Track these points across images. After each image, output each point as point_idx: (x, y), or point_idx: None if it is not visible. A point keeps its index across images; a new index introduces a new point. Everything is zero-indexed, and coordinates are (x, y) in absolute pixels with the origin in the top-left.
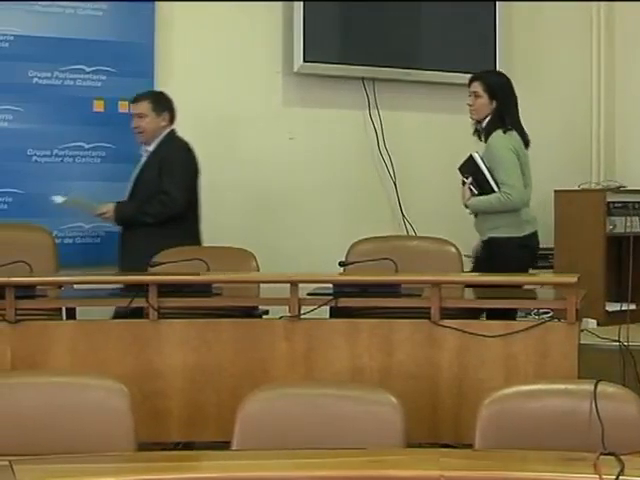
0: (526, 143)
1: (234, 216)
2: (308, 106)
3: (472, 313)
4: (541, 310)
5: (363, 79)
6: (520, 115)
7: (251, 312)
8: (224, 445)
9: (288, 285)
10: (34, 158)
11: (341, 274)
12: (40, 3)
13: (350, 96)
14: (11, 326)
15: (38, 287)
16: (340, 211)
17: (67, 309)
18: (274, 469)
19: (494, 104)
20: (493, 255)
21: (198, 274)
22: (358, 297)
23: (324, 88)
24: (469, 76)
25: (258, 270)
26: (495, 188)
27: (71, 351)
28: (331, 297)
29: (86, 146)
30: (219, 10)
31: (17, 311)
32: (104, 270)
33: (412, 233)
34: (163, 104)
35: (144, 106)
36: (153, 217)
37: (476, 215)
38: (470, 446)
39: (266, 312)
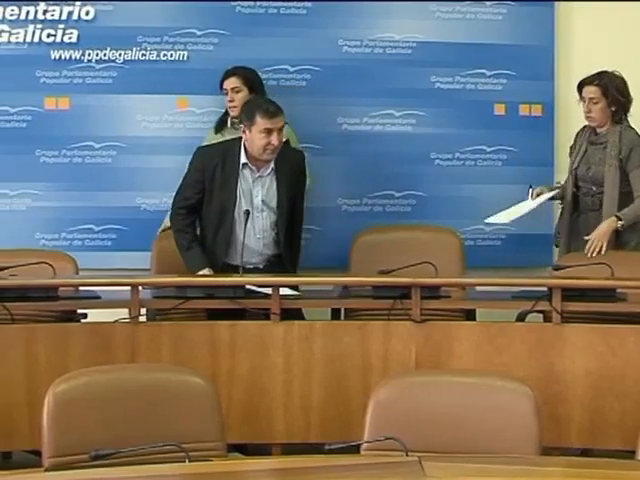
0: None
1: None
2: None
3: None
4: None
5: None
6: None
7: None
8: (626, 454)
9: None
10: (436, 161)
11: None
12: (441, 9)
13: None
14: (416, 325)
15: (443, 288)
16: None
17: (468, 310)
18: None
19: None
20: None
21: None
22: None
23: None
24: None
25: None
26: None
27: (474, 352)
28: None
29: (487, 149)
30: (621, 9)
31: (422, 311)
32: (506, 272)
33: None
34: None
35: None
36: None
37: None
38: None
39: None
